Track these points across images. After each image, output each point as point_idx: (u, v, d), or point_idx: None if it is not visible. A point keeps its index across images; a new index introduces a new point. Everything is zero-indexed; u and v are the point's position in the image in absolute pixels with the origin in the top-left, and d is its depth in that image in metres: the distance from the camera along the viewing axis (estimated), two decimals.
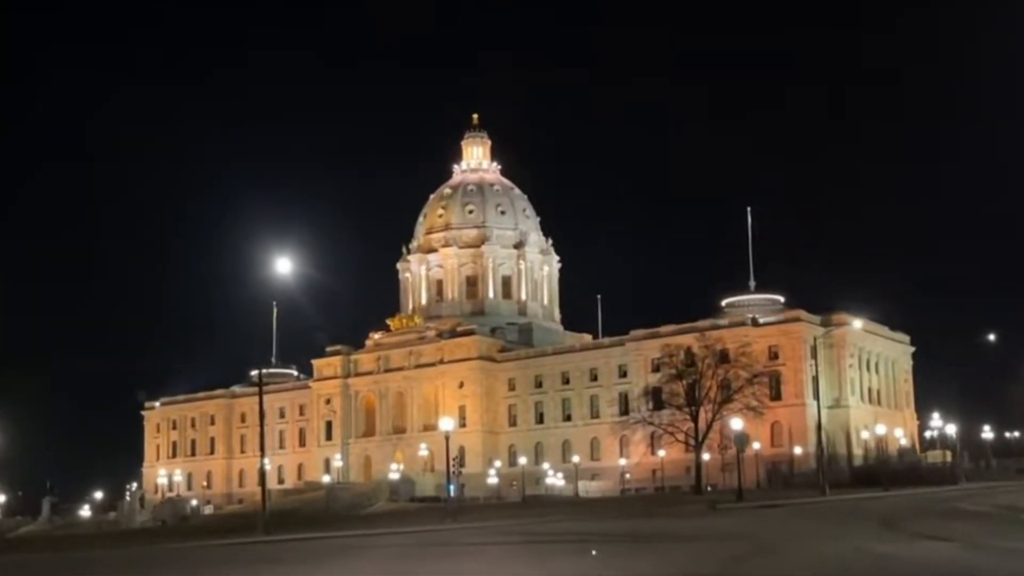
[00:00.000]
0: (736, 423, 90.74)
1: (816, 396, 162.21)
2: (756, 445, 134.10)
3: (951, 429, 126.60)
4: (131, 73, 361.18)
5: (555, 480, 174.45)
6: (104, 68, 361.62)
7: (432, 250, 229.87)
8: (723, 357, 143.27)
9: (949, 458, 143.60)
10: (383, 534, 60.01)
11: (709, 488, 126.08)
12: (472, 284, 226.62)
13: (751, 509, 69.86)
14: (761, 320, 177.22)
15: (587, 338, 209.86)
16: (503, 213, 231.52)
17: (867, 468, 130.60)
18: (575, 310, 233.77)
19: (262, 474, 71.89)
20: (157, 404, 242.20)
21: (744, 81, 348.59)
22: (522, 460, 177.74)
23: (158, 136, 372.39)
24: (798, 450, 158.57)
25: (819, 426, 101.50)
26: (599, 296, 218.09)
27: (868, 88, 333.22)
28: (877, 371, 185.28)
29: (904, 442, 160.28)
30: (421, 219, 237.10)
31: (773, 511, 66.40)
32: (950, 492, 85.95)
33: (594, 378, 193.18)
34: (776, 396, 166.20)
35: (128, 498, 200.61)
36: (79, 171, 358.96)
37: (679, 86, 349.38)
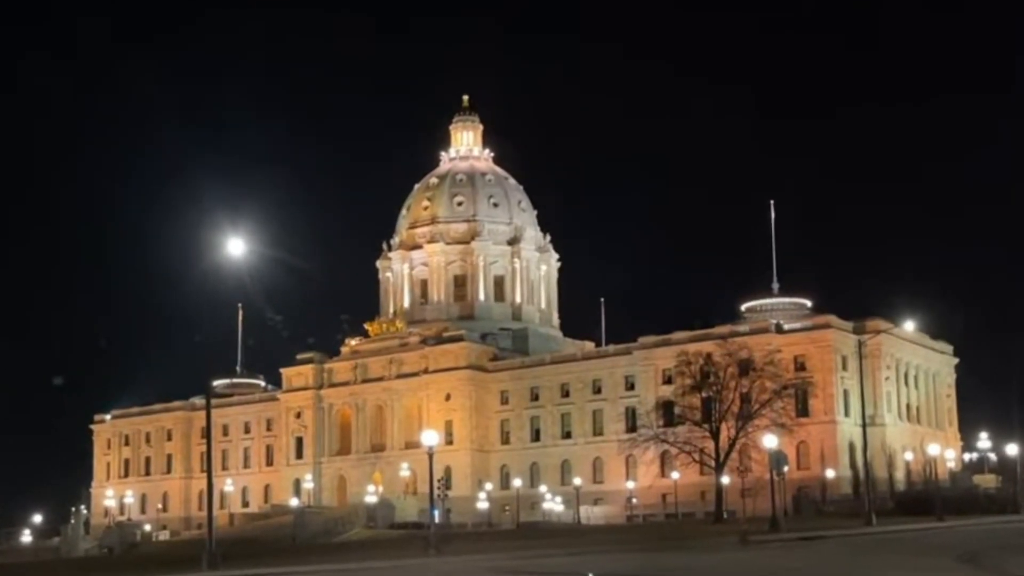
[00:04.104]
0: (770, 440, 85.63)
1: (853, 411, 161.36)
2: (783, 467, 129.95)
3: (1012, 450, 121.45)
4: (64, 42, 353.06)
5: (553, 505, 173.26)
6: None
7: (416, 246, 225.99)
8: (745, 367, 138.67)
9: (999, 483, 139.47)
10: (350, 572, 54.43)
11: (725, 515, 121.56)
12: (461, 284, 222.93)
13: (791, 542, 66.08)
14: (786, 326, 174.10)
15: (589, 346, 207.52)
16: (496, 205, 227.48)
17: (914, 494, 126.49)
18: (576, 314, 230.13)
19: (210, 496, 66.18)
20: (108, 417, 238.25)
21: (751, 65, 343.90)
22: (516, 482, 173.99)
23: (102, 109, 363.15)
24: (830, 473, 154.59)
25: (863, 447, 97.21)
26: (602, 299, 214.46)
27: (897, 75, 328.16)
28: (916, 385, 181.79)
29: (952, 465, 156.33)
30: (404, 212, 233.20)
31: (819, 545, 63.53)
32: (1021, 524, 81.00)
33: (597, 391, 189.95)
34: (803, 412, 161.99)
35: (72, 522, 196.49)
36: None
37: (689, 69, 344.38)
